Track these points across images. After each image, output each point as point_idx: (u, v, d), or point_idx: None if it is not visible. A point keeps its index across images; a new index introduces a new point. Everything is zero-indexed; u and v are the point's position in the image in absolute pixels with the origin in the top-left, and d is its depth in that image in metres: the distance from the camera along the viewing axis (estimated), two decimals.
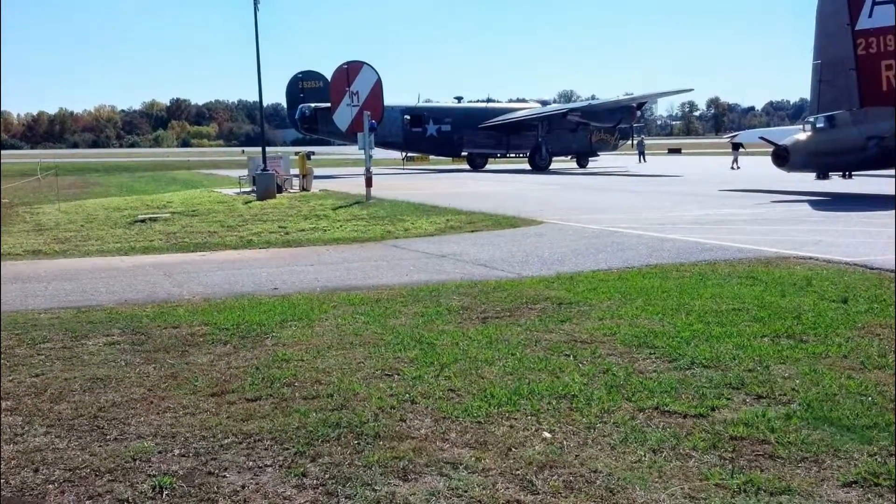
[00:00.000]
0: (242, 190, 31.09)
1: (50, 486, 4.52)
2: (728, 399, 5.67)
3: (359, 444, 4.99)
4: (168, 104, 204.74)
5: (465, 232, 16.62)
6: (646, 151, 63.76)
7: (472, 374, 6.37)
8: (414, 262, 12.69)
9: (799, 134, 25.83)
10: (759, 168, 39.72)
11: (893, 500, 4.17)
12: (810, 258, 11.83)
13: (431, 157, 62.39)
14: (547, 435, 5.09)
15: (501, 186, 33.70)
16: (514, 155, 56.34)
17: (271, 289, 10.58)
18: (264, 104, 38.00)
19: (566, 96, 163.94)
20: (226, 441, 5.10)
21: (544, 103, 61.21)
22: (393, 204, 23.21)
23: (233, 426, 5.34)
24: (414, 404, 5.71)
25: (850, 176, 28.98)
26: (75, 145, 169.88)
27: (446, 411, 5.53)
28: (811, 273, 10.48)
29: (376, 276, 11.51)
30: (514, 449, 4.88)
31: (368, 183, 25.55)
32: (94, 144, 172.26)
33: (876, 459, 4.60)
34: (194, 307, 9.36)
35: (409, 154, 61.92)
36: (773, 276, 10.35)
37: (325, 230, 17.53)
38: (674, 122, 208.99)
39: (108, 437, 5.24)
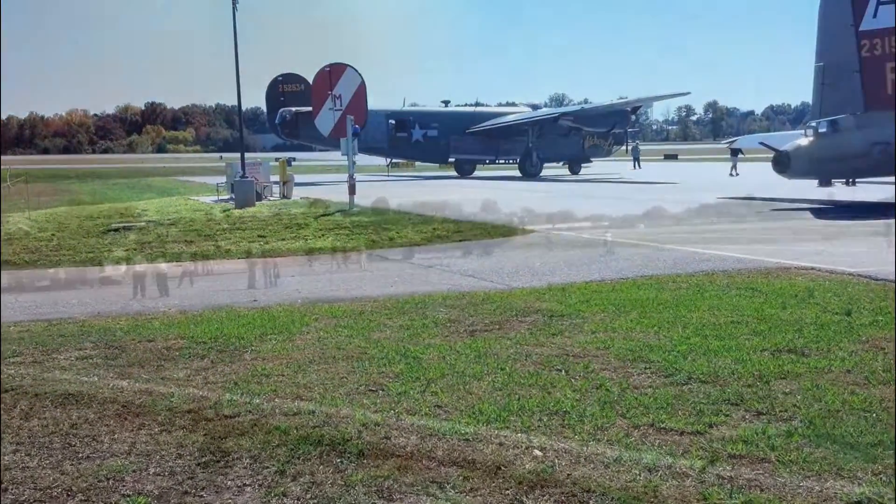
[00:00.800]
0: (220, 198, 30.92)
1: None
2: (726, 415, 5.59)
3: (342, 462, 4.93)
4: (143, 108, 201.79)
5: (452, 241, 16.56)
6: (641, 157, 63.65)
7: (459, 389, 6.29)
8: (399, 273, 12.63)
9: (800, 139, 25.44)
10: (759, 175, 39.78)
11: None
12: (812, 268, 11.74)
13: (417, 163, 62.31)
14: (538, 453, 5.01)
15: (490, 194, 33.62)
16: (503, 161, 55.71)
17: (250, 301, 10.48)
18: (243, 108, 37.72)
19: (558, 100, 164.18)
20: (203, 459, 5.02)
21: (535, 107, 60.89)
22: (377, 212, 23.14)
23: (210, 444, 5.26)
24: (399, 421, 5.62)
25: (854, 183, 28.89)
26: (46, 151, 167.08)
27: (433, 428, 5.45)
28: (813, 284, 10.39)
29: (360, 287, 11.41)
30: (503, 467, 4.80)
31: (352, 190, 25.41)
32: (66, 150, 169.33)
33: (880, 478, 4.54)
34: (170, 320, 9.26)
35: (395, 160, 61.86)
36: (774, 287, 10.26)
37: (307, 239, 17.41)
38: (670, 127, 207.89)
39: (80, 455, 5.17)
